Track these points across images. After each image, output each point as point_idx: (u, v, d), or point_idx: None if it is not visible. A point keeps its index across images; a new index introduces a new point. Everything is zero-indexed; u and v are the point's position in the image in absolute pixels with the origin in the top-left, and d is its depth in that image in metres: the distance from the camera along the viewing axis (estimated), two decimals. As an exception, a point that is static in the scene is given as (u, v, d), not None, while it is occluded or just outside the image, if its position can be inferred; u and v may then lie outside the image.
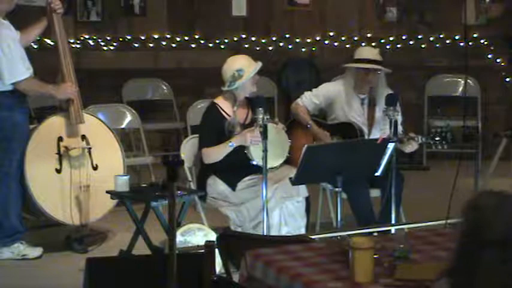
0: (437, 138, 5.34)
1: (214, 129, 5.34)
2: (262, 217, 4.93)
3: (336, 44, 8.58)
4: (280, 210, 5.23)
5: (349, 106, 5.77)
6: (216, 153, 5.31)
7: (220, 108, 5.41)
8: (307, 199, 5.40)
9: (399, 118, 5.35)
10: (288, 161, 5.46)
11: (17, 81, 5.50)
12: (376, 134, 5.62)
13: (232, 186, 5.33)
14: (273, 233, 5.10)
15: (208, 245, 3.43)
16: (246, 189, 5.31)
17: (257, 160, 5.21)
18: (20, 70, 5.51)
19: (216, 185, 5.37)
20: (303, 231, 5.25)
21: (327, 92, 5.89)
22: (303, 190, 5.31)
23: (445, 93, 8.57)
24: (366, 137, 5.68)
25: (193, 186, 5.56)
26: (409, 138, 5.36)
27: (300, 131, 5.80)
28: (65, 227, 5.83)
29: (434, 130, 5.41)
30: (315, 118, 5.91)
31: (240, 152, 5.27)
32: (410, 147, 5.40)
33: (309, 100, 5.89)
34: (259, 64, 5.40)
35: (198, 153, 5.50)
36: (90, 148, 5.78)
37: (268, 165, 4.94)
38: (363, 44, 8.32)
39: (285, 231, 5.21)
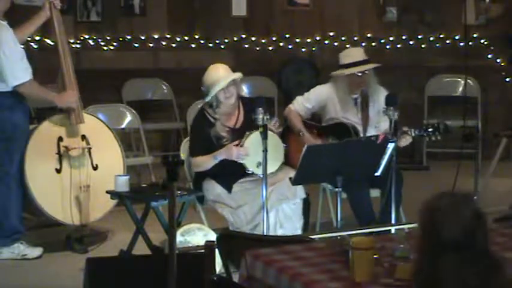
0: (430, 130, 5.34)
1: (202, 136, 5.31)
2: (261, 218, 4.92)
3: (336, 44, 8.58)
4: (276, 212, 5.22)
5: (343, 108, 5.75)
6: (203, 164, 5.30)
7: (207, 114, 5.37)
8: (307, 199, 5.40)
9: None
10: (285, 163, 5.46)
11: (19, 83, 5.49)
12: (372, 132, 5.63)
13: (228, 188, 5.31)
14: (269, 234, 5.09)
15: (208, 245, 3.43)
16: (242, 192, 5.29)
17: (252, 169, 5.21)
18: (21, 73, 5.50)
19: (213, 188, 5.36)
20: (299, 232, 5.24)
21: (318, 95, 5.86)
22: (299, 192, 5.29)
23: (445, 93, 8.57)
24: (361, 135, 5.68)
25: (192, 186, 5.56)
26: (402, 132, 5.35)
27: (296, 135, 5.79)
28: (65, 227, 5.83)
29: (426, 122, 5.41)
30: (308, 121, 5.89)
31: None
32: (404, 141, 5.39)
33: (300, 105, 5.87)
34: (226, 80, 5.24)
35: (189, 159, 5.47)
36: (90, 148, 5.78)
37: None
38: (363, 43, 8.33)
39: (280, 233, 5.19)
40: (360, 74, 5.69)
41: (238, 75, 5.35)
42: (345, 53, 5.88)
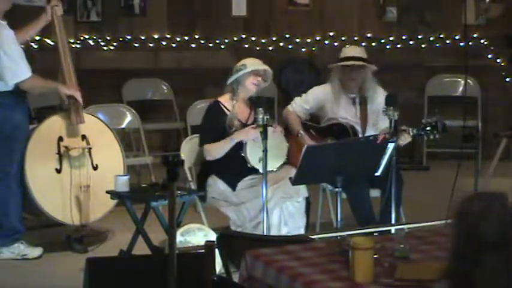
0: (428, 128, 5.35)
1: (215, 126, 5.36)
2: (262, 217, 4.94)
3: (336, 44, 8.58)
4: (280, 210, 5.24)
5: (338, 106, 5.77)
6: (217, 149, 5.32)
7: (222, 106, 5.42)
8: (307, 199, 5.41)
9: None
10: (287, 162, 5.47)
11: (21, 80, 5.50)
12: (371, 132, 5.63)
13: (233, 186, 5.34)
14: (273, 233, 5.11)
15: (208, 245, 3.43)
16: (246, 189, 5.32)
17: (253, 163, 5.23)
18: (23, 70, 5.51)
19: (216, 185, 5.38)
20: (302, 231, 5.26)
21: (316, 96, 5.88)
22: (303, 190, 5.31)
23: (445, 93, 8.56)
24: (360, 135, 5.69)
25: (193, 186, 5.56)
26: (401, 131, 5.36)
27: (294, 136, 5.80)
28: (65, 227, 5.83)
29: (425, 121, 5.43)
30: (307, 122, 5.90)
31: (240, 151, 5.27)
32: (404, 139, 5.39)
33: (299, 106, 5.89)
34: (265, 66, 5.45)
35: (198, 151, 5.50)
36: (90, 148, 5.78)
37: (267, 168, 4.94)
38: (363, 44, 8.33)
39: (284, 232, 5.21)
40: (349, 69, 5.69)
41: (270, 70, 5.52)
42: (344, 49, 5.95)
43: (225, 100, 5.45)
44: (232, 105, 5.41)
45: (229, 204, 5.34)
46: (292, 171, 5.20)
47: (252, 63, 5.46)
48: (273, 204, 5.14)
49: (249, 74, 5.39)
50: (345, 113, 5.76)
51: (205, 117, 5.52)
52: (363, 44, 8.30)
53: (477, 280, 2.34)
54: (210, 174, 5.41)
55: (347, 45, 6.22)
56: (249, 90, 5.42)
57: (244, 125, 5.39)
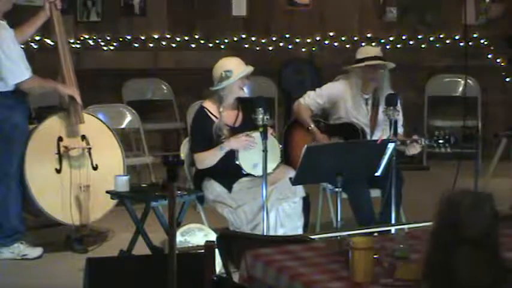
0: (440, 141, 5.33)
1: (203, 133, 5.32)
2: (262, 218, 4.92)
3: (336, 44, 8.58)
4: (276, 211, 5.22)
5: (354, 107, 5.75)
6: (208, 158, 5.29)
7: (208, 111, 5.37)
8: (307, 199, 5.39)
9: (400, 119, 5.35)
10: (287, 161, 5.46)
11: (21, 81, 5.50)
12: (378, 135, 5.61)
13: (228, 187, 5.31)
14: (270, 234, 5.09)
15: (208, 245, 3.43)
16: (243, 191, 5.28)
17: (248, 170, 5.22)
18: (22, 70, 5.51)
19: (213, 188, 5.35)
20: (300, 231, 5.24)
21: (331, 92, 5.86)
22: (299, 190, 5.29)
23: (445, 93, 8.57)
24: (368, 137, 5.67)
25: (192, 186, 5.56)
26: (412, 141, 5.35)
27: (302, 131, 5.79)
28: (65, 227, 5.83)
29: (437, 133, 5.39)
30: (317, 118, 5.89)
31: (234, 154, 5.25)
32: (414, 150, 5.38)
33: (312, 100, 5.87)
34: (250, 68, 5.38)
35: (191, 155, 5.47)
36: (90, 148, 5.78)
37: (261, 172, 4.92)
38: (363, 44, 8.33)
39: (281, 233, 5.19)
40: (373, 69, 5.68)
41: (252, 68, 5.42)
42: (362, 48, 5.98)
43: (210, 105, 5.39)
44: (219, 112, 5.35)
45: (227, 207, 5.32)
46: (289, 171, 5.20)
47: (237, 68, 5.33)
48: (269, 205, 5.10)
49: (233, 82, 5.31)
50: (358, 113, 5.74)
51: (192, 124, 5.48)
52: (363, 44, 8.31)
53: (453, 270, 2.35)
54: (205, 177, 5.39)
55: (363, 45, 6.19)
56: (237, 94, 5.38)
57: (233, 128, 5.36)
